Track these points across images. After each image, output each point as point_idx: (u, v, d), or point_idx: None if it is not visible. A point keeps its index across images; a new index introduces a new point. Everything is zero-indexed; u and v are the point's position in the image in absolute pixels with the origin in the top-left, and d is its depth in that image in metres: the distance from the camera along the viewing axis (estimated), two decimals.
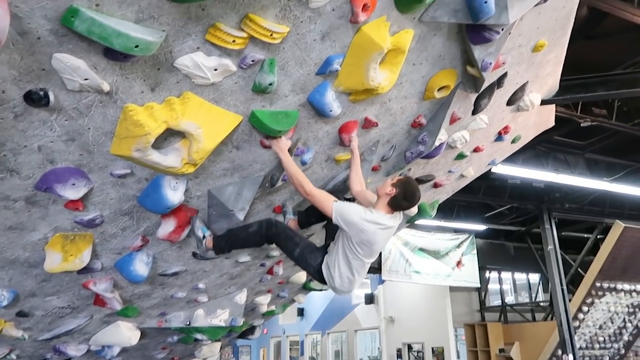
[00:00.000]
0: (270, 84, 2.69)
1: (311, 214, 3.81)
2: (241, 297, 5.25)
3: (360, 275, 3.31)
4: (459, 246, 12.18)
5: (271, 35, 2.42)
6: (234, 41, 2.36)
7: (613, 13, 4.50)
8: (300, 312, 21.36)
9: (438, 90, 3.69)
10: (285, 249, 3.47)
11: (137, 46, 1.99)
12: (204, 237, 3.42)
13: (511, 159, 7.91)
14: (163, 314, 4.91)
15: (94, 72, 2.11)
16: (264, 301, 5.90)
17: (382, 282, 15.44)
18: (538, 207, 10.65)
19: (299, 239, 3.43)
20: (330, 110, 3.13)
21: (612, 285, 11.42)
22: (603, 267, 10.95)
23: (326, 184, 4.09)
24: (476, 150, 5.29)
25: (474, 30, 3.21)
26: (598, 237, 11.71)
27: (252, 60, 2.54)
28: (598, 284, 11.23)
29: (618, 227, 10.60)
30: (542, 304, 14.43)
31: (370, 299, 16.41)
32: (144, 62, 2.25)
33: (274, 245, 4.39)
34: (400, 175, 4.77)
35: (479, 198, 9.99)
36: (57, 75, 2.07)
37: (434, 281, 11.78)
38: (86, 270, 3.41)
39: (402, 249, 11.33)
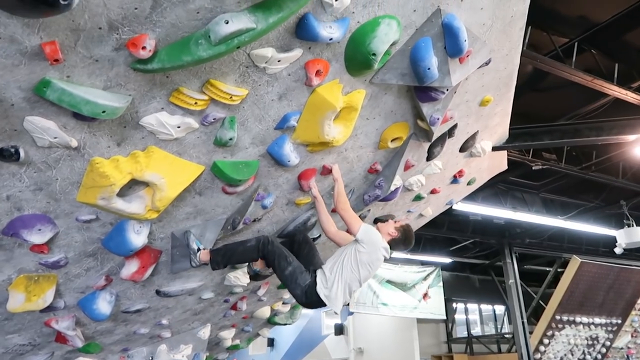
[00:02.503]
0: (231, 139, 2.92)
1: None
2: (205, 332, 5.34)
3: (350, 294, 3.58)
4: (425, 278, 12.43)
5: (230, 97, 2.66)
6: (195, 103, 2.58)
7: (553, 72, 4.92)
8: (271, 343, 21.08)
9: (391, 140, 3.98)
10: (278, 267, 3.58)
11: (104, 111, 2.19)
12: (198, 249, 3.57)
13: (471, 197, 8.28)
14: (125, 350, 4.96)
15: (63, 132, 2.30)
16: (228, 335, 5.98)
17: (351, 313, 15.52)
18: (499, 242, 11.05)
19: (292, 259, 3.61)
20: (289, 161, 3.36)
21: (571, 318, 11.79)
22: (562, 301, 11.31)
23: (287, 225, 4.29)
24: (433, 192, 5.59)
25: (421, 91, 3.52)
26: (558, 270, 12.15)
27: (214, 119, 2.76)
28: (558, 317, 11.58)
29: (575, 262, 11.03)
30: (506, 335, 14.73)
31: (340, 330, 16.40)
32: (110, 121, 2.44)
33: (238, 282, 4.57)
34: (362, 216, 5.03)
35: (443, 232, 10.32)
36: (28, 135, 2.25)
37: (401, 313, 11.96)
38: (49, 308, 3.50)
39: (370, 281, 11.50)
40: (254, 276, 4.63)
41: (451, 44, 3.11)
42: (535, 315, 12.66)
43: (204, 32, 2.16)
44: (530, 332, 11.44)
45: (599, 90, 5.19)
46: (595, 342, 12.61)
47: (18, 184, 2.50)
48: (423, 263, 12.68)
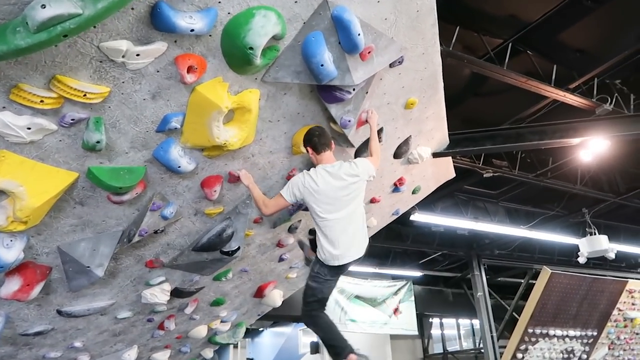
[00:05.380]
0: (98, 142, 2.67)
1: None
2: (130, 355, 5.03)
3: (336, 237, 3.46)
4: (396, 293, 12.13)
5: (84, 95, 2.42)
6: (42, 101, 2.35)
7: (484, 74, 4.75)
8: None
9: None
10: (317, 295, 3.63)
11: None
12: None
13: (429, 207, 8.10)
14: None
15: None
16: (162, 357, 5.66)
17: None
18: (467, 253, 10.82)
19: (306, 288, 3.72)
20: (179, 167, 3.13)
21: (545, 331, 11.47)
22: (534, 314, 11.01)
23: (200, 237, 4.03)
24: (372, 201, 5.37)
25: (324, 90, 3.32)
26: (530, 282, 11.90)
27: (72, 119, 2.52)
28: (530, 330, 11.26)
29: (545, 273, 10.75)
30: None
31: (315, 349, 16.00)
32: None
33: (156, 299, 4.29)
34: (293, 227, 4.80)
35: (409, 245, 10.09)
36: None
37: (371, 329, 11.62)
38: None
39: (337, 296, 11.19)
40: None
41: (345, 39, 2.93)
42: (510, 329, 12.37)
43: (22, 19, 1.94)
44: (504, 347, 11.14)
45: (536, 92, 5.02)
46: (572, 355, 12.30)
47: None
48: (394, 277, 12.39)
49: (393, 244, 10.05)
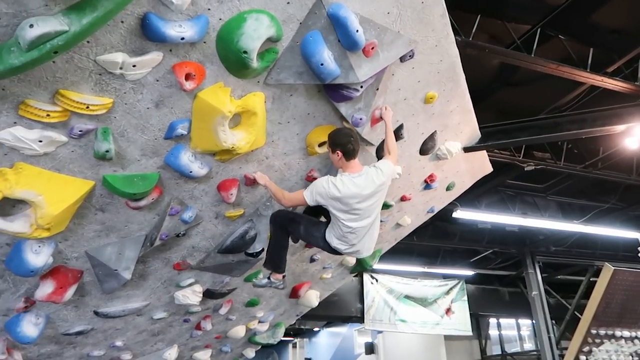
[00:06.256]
0: (107, 151, 2.81)
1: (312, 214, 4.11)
2: (171, 354, 5.22)
3: (354, 241, 3.56)
4: (448, 292, 11.82)
5: (87, 107, 2.55)
6: (48, 115, 2.50)
7: (512, 63, 4.53)
8: None
9: (319, 145, 3.76)
10: (295, 233, 3.80)
11: None
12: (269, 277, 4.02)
13: (473, 203, 7.84)
14: None
15: None
16: (204, 357, 5.84)
17: (381, 331, 15.05)
18: (520, 251, 10.34)
19: (300, 218, 3.84)
20: (190, 171, 3.22)
21: (610, 332, 10.75)
22: (597, 313, 10.35)
23: (225, 240, 4.12)
24: (403, 199, 5.27)
25: (331, 90, 3.31)
26: (591, 280, 11.20)
27: (80, 131, 2.67)
28: (594, 331, 10.59)
29: (607, 270, 10.08)
30: None
31: (370, 349, 15.90)
32: None
33: (188, 300, 4.43)
34: None
35: (456, 243, 9.80)
36: None
37: (422, 330, 11.39)
38: None
39: (386, 296, 11.07)
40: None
41: (343, 36, 2.90)
42: (572, 330, 11.71)
43: (15, 39, 2.08)
44: (566, 348, 10.56)
45: (569, 78, 4.72)
46: None
47: None
48: (445, 276, 12.07)
49: (440, 242, 9.81)
